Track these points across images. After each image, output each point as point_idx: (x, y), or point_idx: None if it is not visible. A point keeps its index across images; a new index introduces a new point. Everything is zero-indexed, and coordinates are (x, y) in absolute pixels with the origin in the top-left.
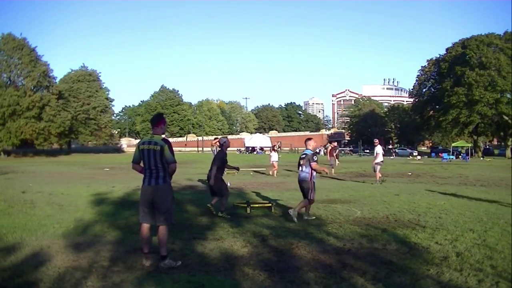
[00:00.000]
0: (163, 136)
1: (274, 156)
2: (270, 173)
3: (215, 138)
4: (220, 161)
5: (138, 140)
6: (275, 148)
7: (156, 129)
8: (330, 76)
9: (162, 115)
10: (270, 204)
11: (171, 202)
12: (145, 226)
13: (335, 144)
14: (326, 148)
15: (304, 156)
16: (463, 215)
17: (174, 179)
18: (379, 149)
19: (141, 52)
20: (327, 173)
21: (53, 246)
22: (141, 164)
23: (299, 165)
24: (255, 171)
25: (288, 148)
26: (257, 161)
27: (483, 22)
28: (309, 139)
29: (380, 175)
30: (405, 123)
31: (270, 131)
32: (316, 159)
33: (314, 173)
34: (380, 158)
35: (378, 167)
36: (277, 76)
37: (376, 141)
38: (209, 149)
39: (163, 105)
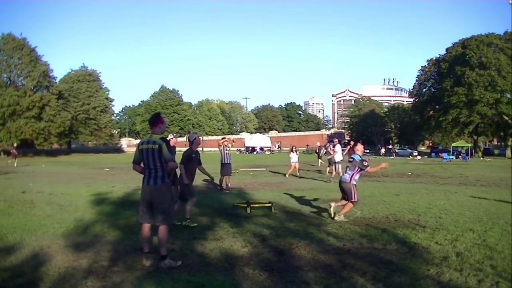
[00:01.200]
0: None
1: (294, 157)
2: (298, 174)
3: (222, 138)
4: (186, 159)
5: (138, 140)
6: (293, 149)
7: (154, 129)
8: (330, 76)
9: (159, 114)
10: (270, 204)
11: (169, 202)
12: (146, 226)
13: (352, 143)
14: (326, 148)
15: (352, 160)
16: (463, 215)
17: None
18: (338, 148)
19: (141, 52)
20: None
21: (53, 246)
22: (142, 165)
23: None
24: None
25: (288, 148)
26: (257, 161)
27: (483, 22)
28: (356, 144)
29: (333, 174)
30: (405, 123)
31: (270, 131)
32: (366, 164)
33: (357, 176)
34: (339, 157)
35: (339, 166)
36: (277, 76)
37: (336, 140)
38: (217, 148)
39: (163, 105)
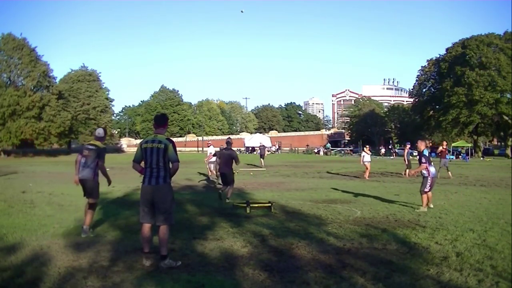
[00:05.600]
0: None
1: (367, 157)
2: (366, 176)
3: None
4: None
5: (138, 140)
6: (366, 150)
7: (160, 129)
8: (330, 76)
9: (166, 115)
10: (270, 204)
11: (171, 202)
12: (147, 226)
13: (445, 143)
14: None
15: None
16: (463, 215)
17: (174, 179)
18: (211, 149)
19: (141, 52)
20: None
21: (53, 246)
22: (142, 164)
23: (431, 162)
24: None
25: (288, 148)
26: (257, 161)
27: (483, 22)
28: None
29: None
30: (405, 123)
31: (270, 131)
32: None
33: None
34: (212, 159)
35: (212, 166)
36: (277, 76)
37: (209, 142)
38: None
39: (163, 105)
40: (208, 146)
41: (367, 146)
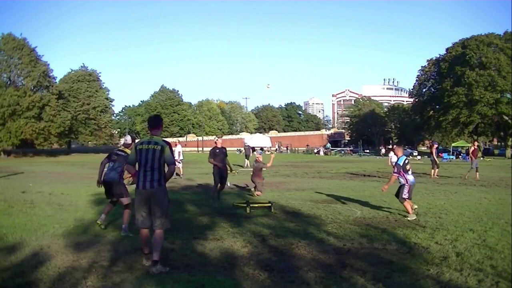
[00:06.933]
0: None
1: (394, 157)
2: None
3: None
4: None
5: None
6: (393, 149)
7: (155, 130)
8: (330, 76)
9: (160, 116)
10: (270, 204)
11: (167, 205)
12: (145, 230)
13: (476, 144)
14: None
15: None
16: (463, 215)
17: (173, 179)
18: (179, 148)
19: (141, 52)
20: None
21: (53, 246)
22: (136, 167)
23: (408, 170)
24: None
25: (288, 148)
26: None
27: (483, 22)
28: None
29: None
30: (405, 123)
31: (270, 131)
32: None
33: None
34: (181, 157)
35: (180, 165)
36: (277, 76)
37: (176, 141)
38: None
39: (163, 105)
40: (176, 145)
41: (395, 145)
